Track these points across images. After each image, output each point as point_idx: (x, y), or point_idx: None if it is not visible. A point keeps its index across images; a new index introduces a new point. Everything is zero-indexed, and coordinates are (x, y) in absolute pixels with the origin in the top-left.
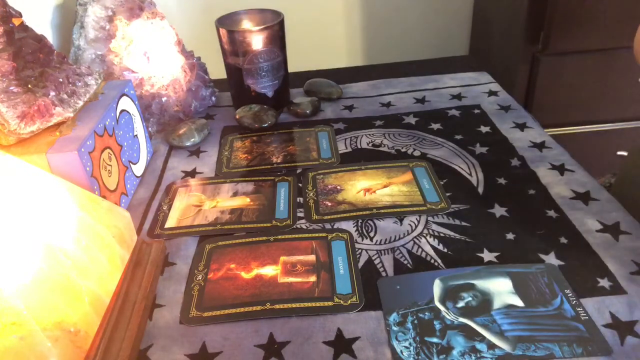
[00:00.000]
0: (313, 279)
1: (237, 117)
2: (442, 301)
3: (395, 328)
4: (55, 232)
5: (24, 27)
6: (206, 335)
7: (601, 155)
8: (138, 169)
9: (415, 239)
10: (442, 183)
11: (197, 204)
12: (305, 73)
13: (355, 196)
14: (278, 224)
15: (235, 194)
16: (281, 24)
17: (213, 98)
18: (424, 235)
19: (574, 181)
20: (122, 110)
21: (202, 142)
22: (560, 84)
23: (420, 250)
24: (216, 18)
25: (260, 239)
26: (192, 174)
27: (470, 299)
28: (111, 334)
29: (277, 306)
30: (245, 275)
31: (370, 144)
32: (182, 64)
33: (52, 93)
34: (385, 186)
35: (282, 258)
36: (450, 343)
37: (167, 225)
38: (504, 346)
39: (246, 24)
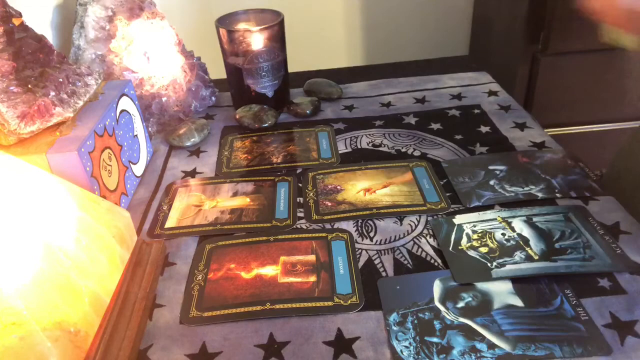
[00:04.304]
0: (313, 279)
1: (237, 117)
2: (442, 301)
3: (395, 328)
4: (55, 232)
5: (24, 27)
6: (206, 335)
7: (601, 155)
8: (138, 169)
9: (415, 239)
10: (442, 183)
11: (197, 204)
12: (305, 73)
13: (355, 196)
14: (278, 224)
15: (235, 194)
16: (281, 24)
17: (213, 98)
18: (424, 235)
19: None
20: (122, 110)
21: (202, 142)
22: (560, 84)
23: (420, 250)
24: (216, 18)
25: (260, 239)
26: (192, 174)
27: (470, 299)
28: (111, 334)
29: (277, 306)
30: (245, 275)
31: (370, 144)
32: (182, 64)
33: (52, 93)
34: (385, 186)
35: (282, 258)
36: (451, 343)
37: (167, 225)
38: (504, 346)
39: (246, 24)
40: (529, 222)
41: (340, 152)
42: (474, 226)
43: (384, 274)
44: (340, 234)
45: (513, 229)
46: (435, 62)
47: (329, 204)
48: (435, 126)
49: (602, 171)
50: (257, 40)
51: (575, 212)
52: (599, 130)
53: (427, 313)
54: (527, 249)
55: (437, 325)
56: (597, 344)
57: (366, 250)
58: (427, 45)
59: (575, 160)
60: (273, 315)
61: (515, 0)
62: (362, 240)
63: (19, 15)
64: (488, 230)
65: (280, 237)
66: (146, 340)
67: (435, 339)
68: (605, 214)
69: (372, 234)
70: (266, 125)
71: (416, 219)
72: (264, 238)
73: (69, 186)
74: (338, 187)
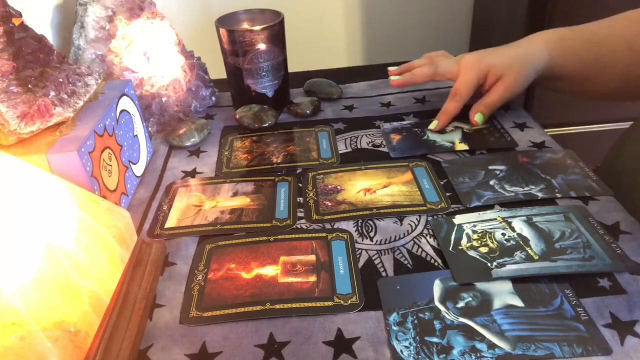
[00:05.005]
0: (313, 279)
1: (237, 117)
2: (442, 301)
3: (395, 328)
4: (55, 232)
5: (24, 27)
6: (206, 335)
7: (601, 156)
8: (138, 169)
9: (415, 239)
10: (442, 183)
11: (197, 204)
12: (305, 73)
13: (355, 196)
14: (278, 224)
15: (235, 194)
16: (281, 24)
17: (213, 98)
18: (424, 235)
19: None
20: (122, 110)
21: (202, 142)
22: None
23: (420, 250)
24: (216, 18)
25: (260, 239)
26: (192, 174)
27: (470, 299)
28: (111, 334)
29: (277, 306)
30: (245, 275)
31: (370, 144)
32: (182, 64)
33: (52, 93)
34: (385, 186)
35: (282, 258)
36: (451, 343)
37: (167, 225)
38: (504, 346)
39: (246, 24)
40: (529, 222)
41: (340, 152)
42: (474, 226)
43: (384, 274)
44: (340, 234)
45: (513, 229)
46: None
47: (329, 204)
48: None
49: (597, 165)
50: (257, 40)
51: (575, 212)
52: (599, 130)
53: (427, 313)
54: (527, 249)
55: (437, 325)
56: (597, 344)
57: (366, 250)
58: (427, 45)
59: (575, 160)
60: (273, 315)
61: (515, 0)
62: (362, 240)
63: (19, 15)
64: (488, 230)
65: (280, 237)
66: (146, 340)
67: (435, 339)
68: (605, 214)
69: (372, 234)
70: (266, 125)
71: (416, 219)
72: (264, 238)
73: (69, 186)
74: (338, 187)
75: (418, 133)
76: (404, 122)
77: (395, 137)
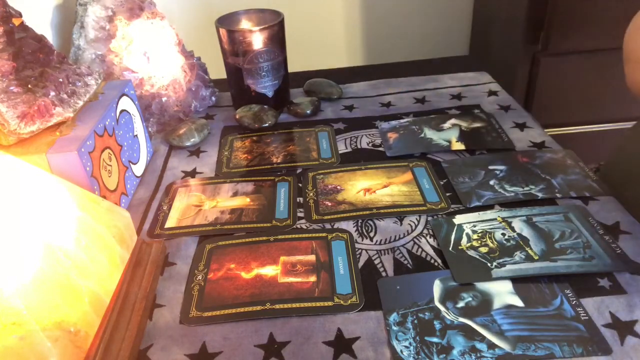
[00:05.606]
0: (313, 279)
1: (237, 117)
2: (442, 301)
3: (395, 328)
4: (55, 232)
5: (24, 27)
6: (206, 335)
7: (601, 156)
8: (138, 169)
9: (415, 239)
10: (442, 183)
11: (197, 204)
12: (305, 73)
13: (355, 196)
14: (278, 224)
15: (235, 194)
16: (281, 24)
17: (213, 98)
18: (424, 235)
19: None
20: (122, 110)
21: (202, 142)
22: (560, 84)
23: (420, 250)
24: (216, 18)
25: (260, 239)
26: (192, 174)
27: (470, 299)
28: (111, 334)
29: (277, 306)
30: (245, 275)
31: (370, 144)
32: (182, 64)
33: (52, 93)
34: (385, 186)
35: (282, 258)
36: (451, 343)
37: (167, 225)
38: (504, 346)
39: (246, 24)
40: (529, 222)
41: (340, 152)
42: (474, 226)
43: (384, 274)
44: (340, 234)
45: (513, 229)
46: (435, 62)
47: (329, 204)
48: None
49: (600, 163)
50: (257, 40)
51: (575, 212)
52: (599, 130)
53: (427, 313)
54: (527, 249)
55: (437, 325)
56: (597, 344)
57: (366, 250)
58: (427, 45)
59: (575, 160)
60: (273, 315)
61: (515, 0)
62: (362, 240)
63: (19, 15)
64: (488, 230)
65: (280, 237)
66: (146, 340)
67: (435, 339)
68: (605, 214)
69: (372, 234)
70: (266, 125)
71: (416, 219)
72: (264, 238)
73: (69, 186)
74: (338, 187)
75: (415, 130)
76: (402, 120)
77: (392, 136)
